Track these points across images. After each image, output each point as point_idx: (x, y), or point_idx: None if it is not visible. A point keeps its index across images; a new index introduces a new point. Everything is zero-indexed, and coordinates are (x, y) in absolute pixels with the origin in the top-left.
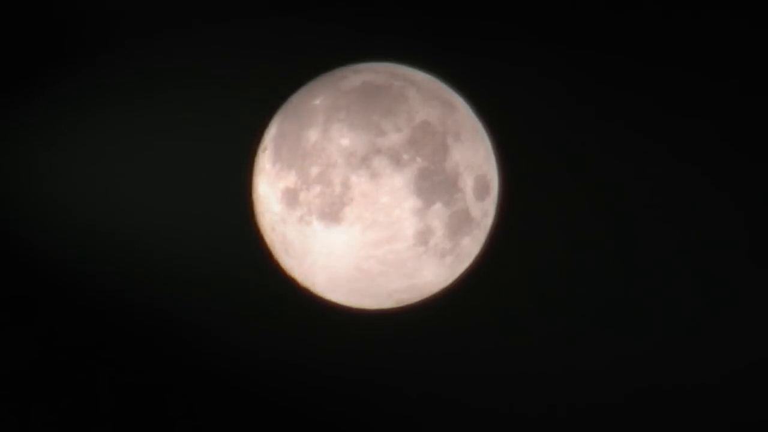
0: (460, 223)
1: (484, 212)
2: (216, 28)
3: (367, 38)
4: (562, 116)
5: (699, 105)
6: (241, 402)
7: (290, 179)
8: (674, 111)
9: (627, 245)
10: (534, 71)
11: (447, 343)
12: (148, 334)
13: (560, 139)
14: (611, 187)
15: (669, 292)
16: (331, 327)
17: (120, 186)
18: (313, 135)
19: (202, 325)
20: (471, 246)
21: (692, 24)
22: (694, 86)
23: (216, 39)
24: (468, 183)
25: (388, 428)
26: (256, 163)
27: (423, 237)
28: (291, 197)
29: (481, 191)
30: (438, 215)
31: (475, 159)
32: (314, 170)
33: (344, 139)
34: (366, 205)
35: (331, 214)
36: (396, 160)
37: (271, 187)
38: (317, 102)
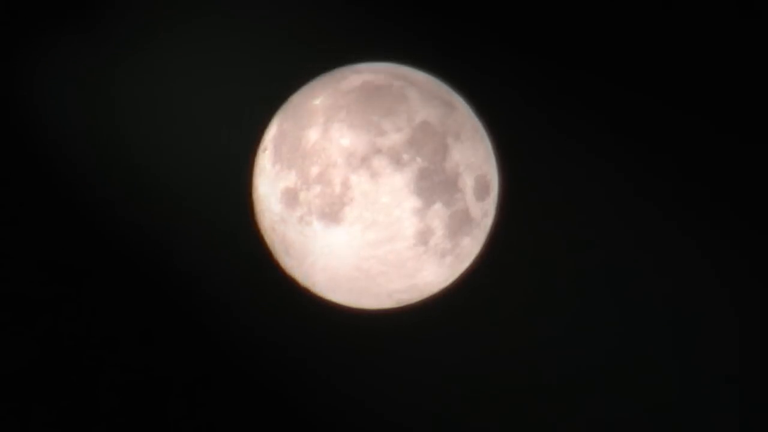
0: (460, 223)
1: (484, 212)
2: (216, 28)
3: (367, 38)
4: (562, 116)
5: (699, 105)
6: (241, 401)
7: (290, 179)
8: (675, 111)
9: (627, 245)
10: (534, 71)
11: (447, 343)
12: (147, 334)
13: (560, 139)
14: (611, 187)
15: (669, 291)
16: (331, 327)
17: (120, 185)
18: (313, 135)
19: (202, 324)
20: (471, 246)
21: (692, 24)
22: (693, 86)
23: (216, 39)
24: (468, 183)
25: (388, 428)
26: (256, 163)
27: (423, 237)
28: (291, 197)
29: (481, 191)
30: (438, 215)
31: (475, 159)
32: (314, 170)
33: (344, 139)
34: (366, 205)
35: (331, 214)
36: (396, 160)
37: (271, 187)
38: (317, 102)
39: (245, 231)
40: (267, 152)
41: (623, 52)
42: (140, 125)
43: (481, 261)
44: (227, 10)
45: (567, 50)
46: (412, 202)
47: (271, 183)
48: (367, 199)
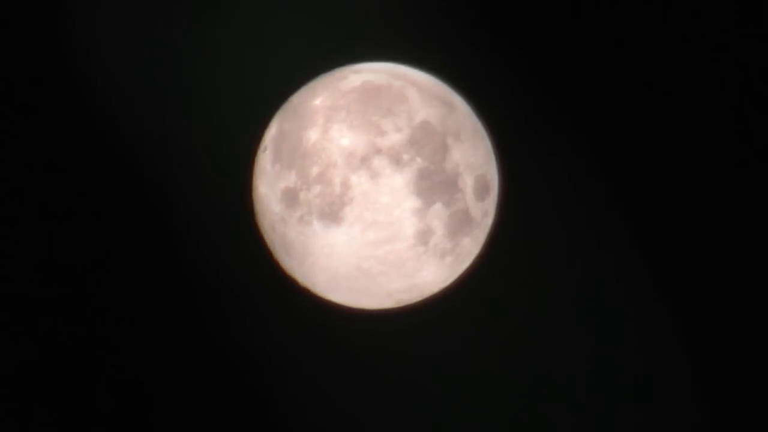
0: (460, 223)
1: (484, 212)
2: (216, 28)
3: (367, 38)
4: (562, 116)
5: (699, 105)
6: (240, 401)
7: (290, 179)
8: (675, 111)
9: (627, 245)
10: (534, 71)
11: (447, 343)
12: (147, 334)
13: (560, 139)
14: (611, 187)
15: (668, 291)
16: (331, 327)
17: (120, 185)
18: (313, 135)
19: (201, 324)
20: (471, 246)
21: (691, 25)
22: (693, 86)
23: (216, 39)
24: (468, 183)
25: (387, 427)
26: (256, 164)
27: (423, 237)
28: (291, 197)
29: (481, 191)
30: (438, 215)
31: (475, 159)
32: (314, 170)
33: (344, 139)
34: (366, 205)
35: (331, 214)
36: (396, 160)
37: (271, 188)
38: (317, 102)
39: (245, 231)
40: (267, 152)
41: (623, 52)
42: (140, 125)
43: (481, 261)
44: (227, 11)
45: (567, 50)
46: (412, 202)
47: (271, 183)
48: (367, 199)
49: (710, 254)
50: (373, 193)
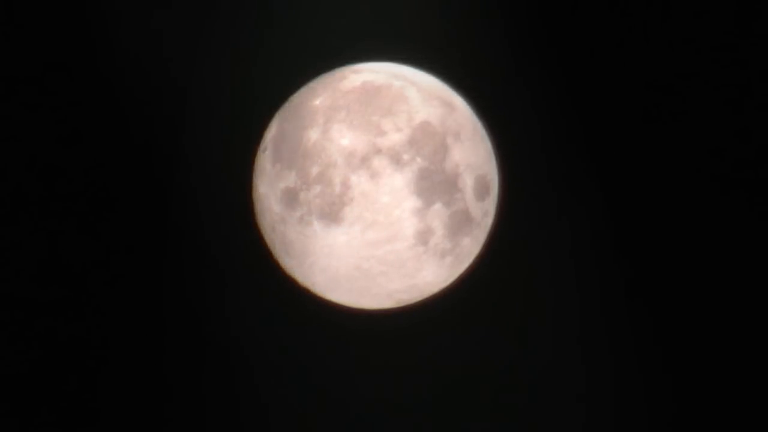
0: (460, 223)
1: (484, 212)
2: (216, 29)
3: (367, 38)
4: (561, 116)
5: (698, 105)
6: (240, 401)
7: (290, 179)
8: (674, 111)
9: (626, 245)
10: (534, 72)
11: (447, 343)
12: (147, 334)
13: (560, 139)
14: (611, 187)
15: (668, 291)
16: (331, 327)
17: (120, 185)
18: (313, 135)
19: (201, 324)
20: (471, 246)
21: (691, 25)
22: (693, 86)
23: (216, 39)
24: (468, 183)
25: (387, 427)
26: (256, 163)
27: (423, 237)
28: (291, 197)
29: (481, 191)
30: (438, 215)
31: (475, 159)
32: (314, 170)
33: (344, 139)
34: (366, 205)
35: (331, 214)
36: (396, 160)
37: (271, 187)
38: (317, 102)
39: (245, 231)
40: (267, 152)
41: (623, 52)
42: (140, 125)
43: (481, 261)
44: (227, 11)
45: (567, 51)
46: (412, 202)
47: (271, 183)
48: (367, 199)
49: (711, 254)
50: (373, 193)
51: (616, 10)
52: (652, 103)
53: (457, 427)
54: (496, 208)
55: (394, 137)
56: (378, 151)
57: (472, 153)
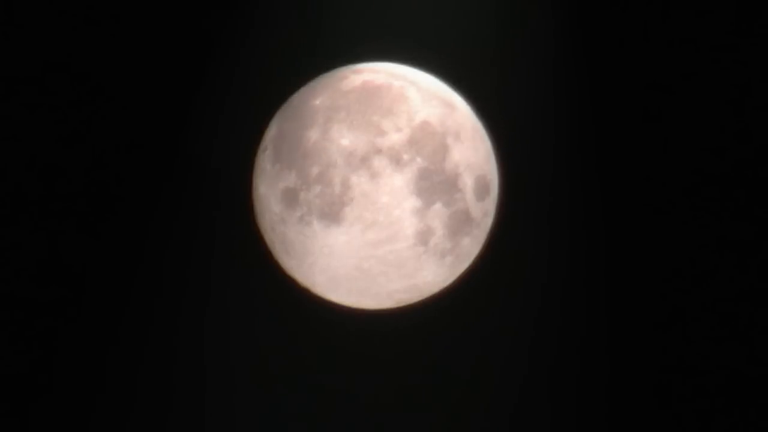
0: (460, 223)
1: (484, 212)
2: (216, 29)
3: (367, 38)
4: (561, 117)
5: (698, 105)
6: (240, 401)
7: (290, 179)
8: (674, 110)
9: (626, 245)
10: (534, 72)
11: (447, 343)
12: (147, 334)
13: (560, 139)
14: (611, 187)
15: (668, 291)
16: (331, 327)
17: (120, 185)
18: (313, 135)
19: (201, 324)
20: (471, 246)
21: (691, 25)
22: (693, 87)
23: (216, 39)
24: (468, 183)
25: (388, 426)
26: (256, 163)
27: (423, 237)
28: (291, 197)
29: (481, 191)
30: (438, 215)
31: (475, 159)
32: (314, 170)
33: (344, 139)
34: (366, 205)
35: (331, 214)
36: (396, 160)
37: (271, 187)
38: (317, 102)
39: (245, 231)
40: (267, 152)
41: (623, 53)
42: (140, 125)
43: (481, 261)
44: (227, 12)
45: (567, 51)
46: (412, 202)
47: (271, 183)
48: (367, 199)
49: (710, 254)
50: (373, 193)
51: (616, 10)
52: (652, 103)
53: (457, 426)
54: (496, 208)
55: (394, 137)
56: (378, 151)
57: (472, 153)
